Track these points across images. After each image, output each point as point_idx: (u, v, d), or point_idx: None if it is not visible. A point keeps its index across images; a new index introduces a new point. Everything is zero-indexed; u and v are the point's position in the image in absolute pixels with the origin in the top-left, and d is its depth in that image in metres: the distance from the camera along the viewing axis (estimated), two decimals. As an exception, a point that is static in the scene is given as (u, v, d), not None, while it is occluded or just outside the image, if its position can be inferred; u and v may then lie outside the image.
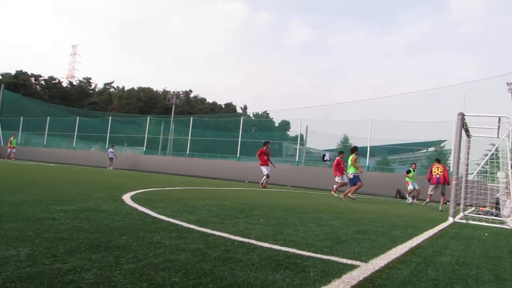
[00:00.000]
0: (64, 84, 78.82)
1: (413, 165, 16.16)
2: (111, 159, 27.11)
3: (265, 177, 14.86)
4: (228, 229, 3.77)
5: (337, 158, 14.73)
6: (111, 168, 26.43)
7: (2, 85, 45.47)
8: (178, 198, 6.82)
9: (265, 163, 14.98)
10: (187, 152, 28.83)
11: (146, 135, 31.76)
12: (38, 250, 2.31)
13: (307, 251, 3.01)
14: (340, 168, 14.06)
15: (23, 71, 68.90)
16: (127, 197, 6.01)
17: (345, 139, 32.46)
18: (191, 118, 29.80)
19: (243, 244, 3.07)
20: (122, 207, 4.79)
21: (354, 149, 12.89)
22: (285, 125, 40.65)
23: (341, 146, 33.53)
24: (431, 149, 30.42)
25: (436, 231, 5.42)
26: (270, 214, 5.53)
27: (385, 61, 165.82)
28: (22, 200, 4.68)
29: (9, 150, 27.58)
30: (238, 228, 3.90)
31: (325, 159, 21.94)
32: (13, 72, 67.55)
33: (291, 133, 35.26)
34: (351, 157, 12.68)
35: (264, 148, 15.27)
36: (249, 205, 6.70)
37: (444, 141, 25.49)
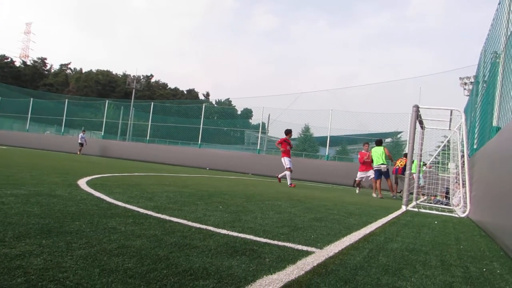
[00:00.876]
0: (17, 64, 75.34)
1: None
2: (81, 144, 26.07)
3: (287, 171, 12.83)
4: (186, 215, 3.75)
5: (361, 151, 13.52)
6: (79, 153, 25.49)
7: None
8: (136, 184, 6.70)
9: (287, 154, 13.06)
10: (147, 138, 28.34)
11: (104, 120, 30.91)
12: (-16, 236, 2.21)
13: (264, 238, 3.04)
14: (366, 162, 12.96)
15: (-28, 48, 65.56)
16: (82, 182, 5.85)
17: (306, 129, 32.97)
18: (152, 103, 29.26)
19: (201, 231, 3.06)
20: (76, 192, 4.65)
21: (380, 142, 12.66)
22: (248, 113, 40.74)
23: (302, 136, 34.03)
24: (388, 140, 31.38)
25: (389, 219, 5.62)
26: (230, 201, 5.54)
27: (346, 52, 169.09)
28: (-31, 183, 4.45)
29: None
30: (197, 214, 3.88)
31: (287, 147, 22.11)
32: (-40, 48, 63.98)
33: (253, 121, 35.45)
34: (381, 149, 12.43)
35: (287, 137, 13.29)
36: (209, 192, 6.69)
37: (401, 132, 26.38)
